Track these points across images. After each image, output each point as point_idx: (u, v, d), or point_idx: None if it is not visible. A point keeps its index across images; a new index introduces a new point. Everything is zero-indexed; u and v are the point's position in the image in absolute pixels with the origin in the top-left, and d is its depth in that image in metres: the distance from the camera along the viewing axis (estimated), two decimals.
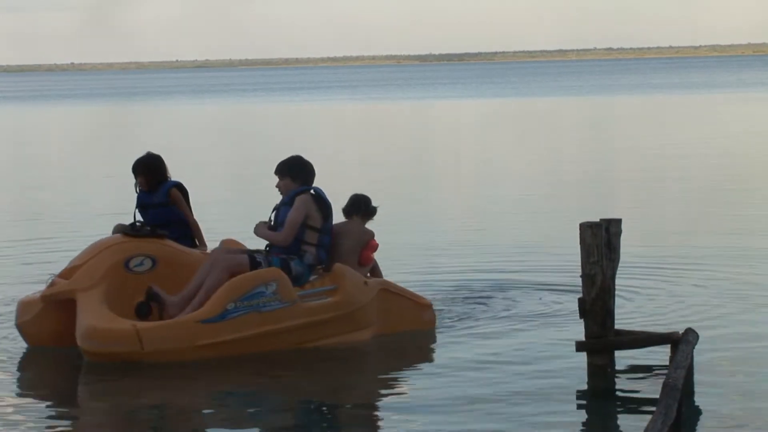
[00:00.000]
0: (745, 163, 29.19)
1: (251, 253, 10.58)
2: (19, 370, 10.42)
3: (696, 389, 9.06)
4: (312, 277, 10.74)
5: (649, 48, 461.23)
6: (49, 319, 10.47)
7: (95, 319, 10.07)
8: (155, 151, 11.52)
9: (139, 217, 11.10)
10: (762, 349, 10.44)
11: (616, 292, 9.57)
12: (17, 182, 28.75)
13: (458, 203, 23.01)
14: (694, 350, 9.27)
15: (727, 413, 8.51)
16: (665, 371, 8.55)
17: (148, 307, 10.37)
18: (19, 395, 9.69)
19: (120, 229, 10.77)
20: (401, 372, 10.32)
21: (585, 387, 9.37)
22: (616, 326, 9.59)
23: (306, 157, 11.08)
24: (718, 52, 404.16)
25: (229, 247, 10.82)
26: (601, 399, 9.19)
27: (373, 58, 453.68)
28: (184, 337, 10.12)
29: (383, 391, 9.68)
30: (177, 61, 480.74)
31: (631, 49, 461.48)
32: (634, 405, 8.96)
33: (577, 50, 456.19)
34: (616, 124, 49.98)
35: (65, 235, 17.85)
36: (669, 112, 55.13)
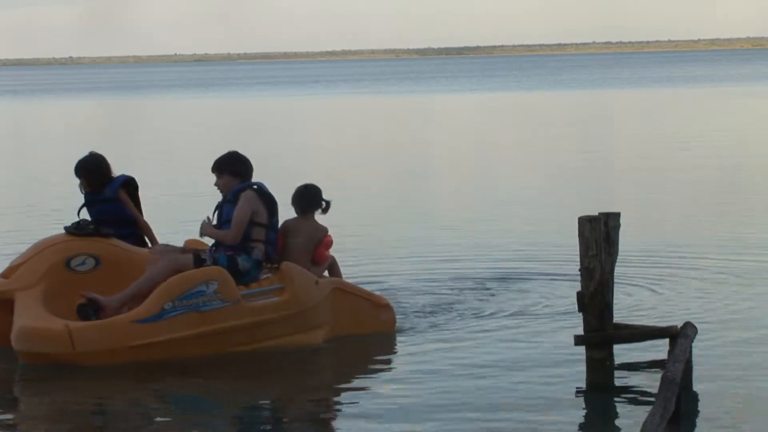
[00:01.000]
0: (746, 156, 29.18)
1: (196, 252, 10.26)
2: None
3: (694, 383, 9.06)
4: (265, 276, 10.37)
5: (648, 42, 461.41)
6: None
7: (29, 319, 9.76)
8: (97, 151, 11.12)
9: (86, 216, 10.80)
10: (760, 342, 10.44)
11: (615, 286, 9.58)
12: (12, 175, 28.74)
13: (456, 196, 23.01)
14: (693, 344, 9.27)
15: (725, 407, 8.51)
16: (664, 365, 8.55)
17: (89, 310, 9.99)
18: None
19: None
20: (377, 373, 10.03)
21: (583, 381, 9.37)
22: (615, 320, 9.60)
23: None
24: (717, 45, 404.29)
25: (186, 247, 10.56)
26: (599, 393, 9.19)
27: (373, 52, 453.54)
28: (118, 337, 9.75)
29: (337, 396, 9.47)
30: (176, 54, 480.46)
31: (629, 42, 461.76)
32: (632, 398, 8.96)
33: (576, 44, 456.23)
34: (615, 117, 49.97)
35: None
36: (669, 106, 55.11)
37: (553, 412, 8.50)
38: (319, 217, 11.02)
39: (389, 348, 10.60)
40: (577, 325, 9.90)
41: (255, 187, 10.40)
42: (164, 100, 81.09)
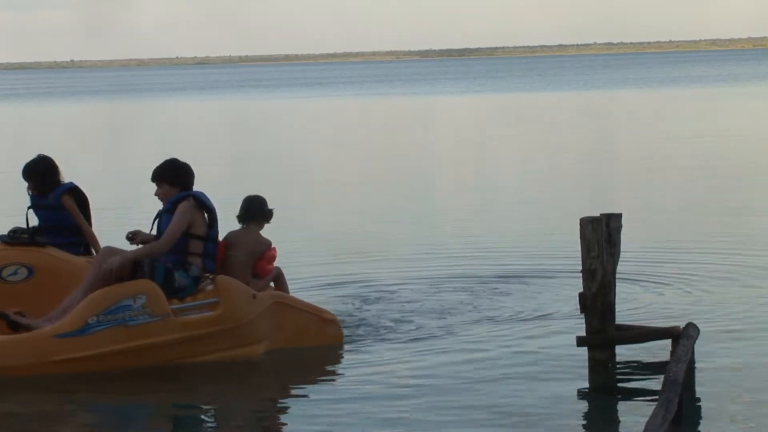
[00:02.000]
0: (749, 156, 29.15)
1: (135, 257, 9.91)
2: None
3: (697, 383, 9.06)
4: (209, 287, 10.08)
5: (648, 43, 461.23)
6: None
7: None
8: (46, 155, 10.87)
9: (33, 218, 10.61)
10: (763, 343, 10.44)
11: (617, 287, 9.58)
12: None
13: (458, 196, 23.01)
14: (695, 344, 9.27)
15: (728, 407, 8.51)
16: (666, 366, 8.55)
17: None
18: None
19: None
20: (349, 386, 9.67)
21: (585, 382, 9.38)
22: (617, 321, 9.60)
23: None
24: (718, 46, 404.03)
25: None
26: (601, 394, 9.19)
27: (374, 54, 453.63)
28: (37, 352, 9.50)
29: (280, 405, 9.43)
30: (177, 57, 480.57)
31: (631, 43, 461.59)
32: (634, 399, 8.96)
33: (577, 45, 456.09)
34: (618, 117, 49.96)
35: None
36: (671, 106, 55.10)
37: (556, 413, 8.50)
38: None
39: (402, 345, 10.60)
40: (579, 326, 9.90)
41: (193, 197, 10.03)
42: (168, 103, 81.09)
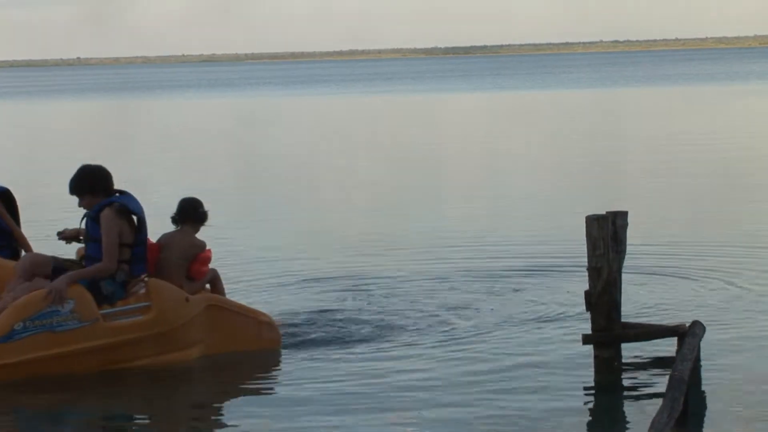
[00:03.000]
0: (756, 155, 29.12)
1: (59, 264, 9.79)
2: None
3: (702, 382, 9.06)
4: (142, 290, 9.89)
5: (655, 40, 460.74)
6: None
7: None
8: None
9: None
10: None
11: (623, 285, 9.57)
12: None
13: (463, 193, 23.00)
14: (701, 343, 9.27)
15: (733, 406, 8.51)
16: (672, 364, 8.55)
17: None
18: None
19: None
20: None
21: (591, 380, 9.37)
22: (623, 319, 9.59)
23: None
24: (725, 44, 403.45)
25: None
26: (607, 392, 9.18)
27: (380, 51, 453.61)
28: None
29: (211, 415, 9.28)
30: (183, 55, 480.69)
31: (637, 41, 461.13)
32: (640, 397, 8.96)
33: (584, 43, 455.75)
34: (625, 115, 49.91)
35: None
36: (678, 103, 55.03)
37: (561, 410, 8.50)
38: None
39: (400, 343, 10.59)
40: (584, 324, 9.90)
41: (114, 203, 9.78)
42: (176, 100, 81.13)
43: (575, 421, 8.33)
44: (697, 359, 9.10)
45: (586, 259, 9.40)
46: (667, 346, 9.73)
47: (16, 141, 44.73)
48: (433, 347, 10.50)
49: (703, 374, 9.18)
